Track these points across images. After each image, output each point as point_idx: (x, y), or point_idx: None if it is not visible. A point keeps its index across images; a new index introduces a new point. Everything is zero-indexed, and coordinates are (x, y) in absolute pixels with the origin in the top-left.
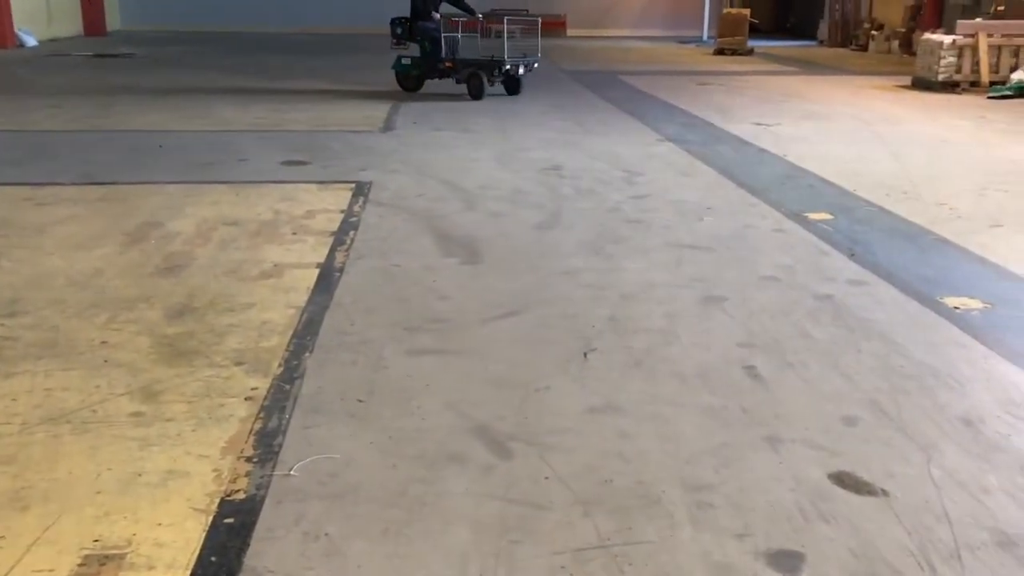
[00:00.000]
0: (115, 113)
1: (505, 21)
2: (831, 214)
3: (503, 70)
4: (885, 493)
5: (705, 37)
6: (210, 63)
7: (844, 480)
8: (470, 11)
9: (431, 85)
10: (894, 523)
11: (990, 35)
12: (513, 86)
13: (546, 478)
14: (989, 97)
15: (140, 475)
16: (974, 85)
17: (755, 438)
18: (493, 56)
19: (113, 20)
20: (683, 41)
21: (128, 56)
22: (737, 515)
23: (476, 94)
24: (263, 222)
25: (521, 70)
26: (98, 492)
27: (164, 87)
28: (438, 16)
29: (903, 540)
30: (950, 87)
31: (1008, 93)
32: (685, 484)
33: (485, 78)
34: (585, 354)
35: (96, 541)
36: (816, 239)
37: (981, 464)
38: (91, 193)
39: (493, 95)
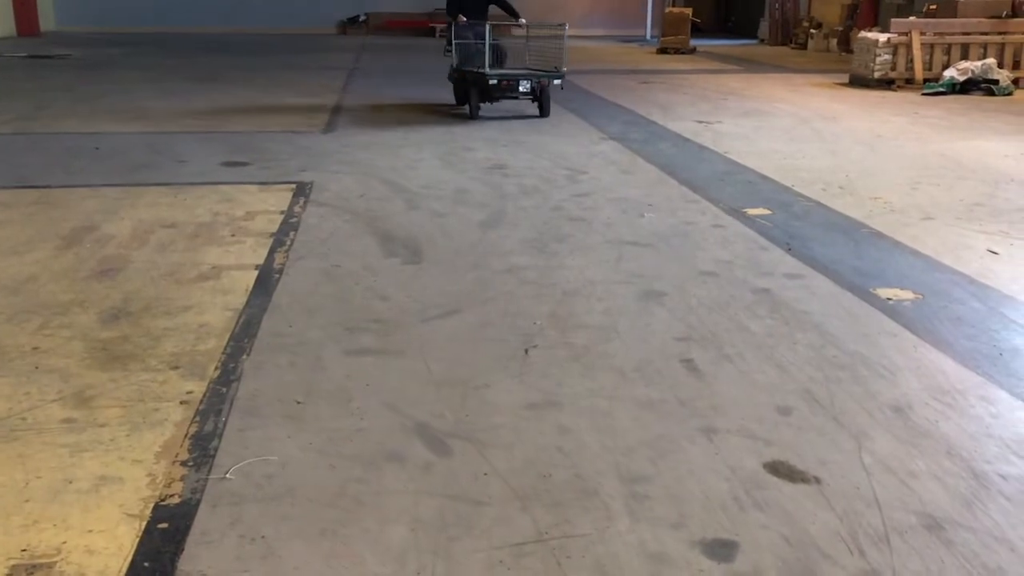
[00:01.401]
0: (49, 115)
1: (488, 27)
2: (769, 209)
3: (490, 84)
4: (818, 480)
5: (648, 36)
6: (149, 64)
7: (778, 469)
8: (513, 13)
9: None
10: (826, 509)
11: (923, 33)
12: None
13: (485, 474)
14: (923, 94)
15: (71, 482)
16: (909, 82)
17: (692, 429)
18: (479, 68)
19: (48, 20)
20: (626, 40)
21: (64, 57)
22: (673, 505)
23: (469, 111)
24: (201, 224)
25: (524, 86)
26: (26, 500)
27: (101, 88)
28: (464, 20)
29: (835, 526)
30: (886, 84)
31: (941, 90)
32: (622, 476)
33: (476, 94)
34: (526, 351)
35: (24, 551)
36: (754, 234)
37: (910, 450)
38: (24, 197)
39: (511, 116)
